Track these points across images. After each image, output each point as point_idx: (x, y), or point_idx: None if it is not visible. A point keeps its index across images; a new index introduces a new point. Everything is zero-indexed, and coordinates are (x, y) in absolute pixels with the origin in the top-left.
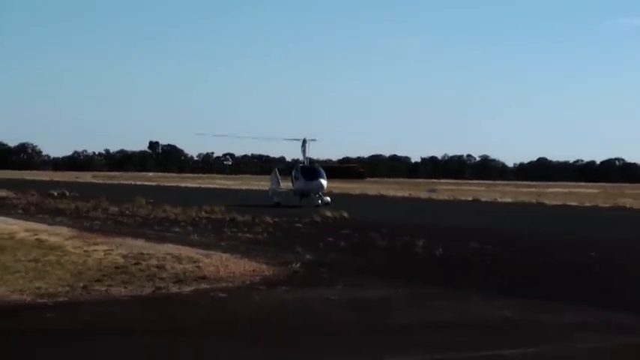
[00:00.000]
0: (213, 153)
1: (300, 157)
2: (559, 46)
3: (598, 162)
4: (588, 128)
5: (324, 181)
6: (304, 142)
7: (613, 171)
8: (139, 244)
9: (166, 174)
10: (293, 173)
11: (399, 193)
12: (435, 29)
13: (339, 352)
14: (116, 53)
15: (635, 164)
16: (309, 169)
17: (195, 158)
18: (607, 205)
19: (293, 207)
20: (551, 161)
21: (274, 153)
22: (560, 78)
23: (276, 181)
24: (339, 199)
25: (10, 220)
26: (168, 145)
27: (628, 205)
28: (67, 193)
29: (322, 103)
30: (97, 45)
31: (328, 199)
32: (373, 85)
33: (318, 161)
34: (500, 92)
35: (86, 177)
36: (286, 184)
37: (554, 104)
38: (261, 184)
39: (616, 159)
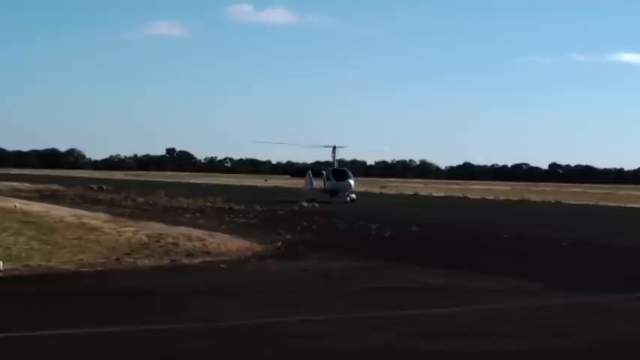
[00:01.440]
0: (216, 157)
1: (331, 160)
2: (476, 77)
3: (509, 165)
4: (502, 140)
5: (352, 181)
6: (334, 148)
7: (521, 173)
8: (158, 227)
9: (180, 173)
10: (324, 174)
11: (358, 189)
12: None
13: (312, 309)
14: (144, 77)
15: (538, 168)
16: (340, 171)
17: (203, 161)
18: (516, 199)
19: (324, 202)
20: (474, 165)
21: (266, 156)
22: (482, 102)
23: (310, 181)
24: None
25: (60, 208)
26: (182, 150)
27: (532, 199)
28: (104, 187)
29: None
30: (125, 71)
31: (354, 196)
32: (336, 97)
33: (296, 164)
34: (437, 110)
35: (119, 175)
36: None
37: (477, 122)
38: (253, 180)
39: (523, 164)
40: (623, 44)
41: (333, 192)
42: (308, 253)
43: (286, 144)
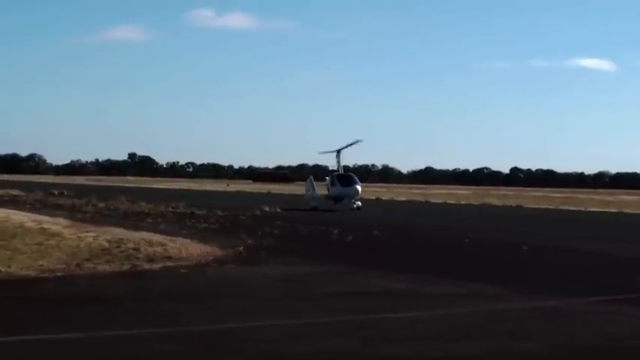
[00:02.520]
0: (178, 162)
1: (336, 166)
2: (438, 82)
3: (471, 170)
4: (463, 144)
5: (359, 187)
6: (338, 152)
7: (482, 177)
8: (119, 232)
9: (142, 178)
10: (328, 180)
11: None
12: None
13: (274, 313)
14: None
15: (499, 172)
16: (345, 177)
17: (165, 166)
18: (477, 203)
19: (329, 211)
20: (436, 169)
21: (228, 161)
22: (443, 107)
23: (312, 187)
24: (275, 199)
25: (20, 213)
26: (144, 155)
27: (493, 203)
28: (65, 193)
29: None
30: (88, 81)
31: (360, 203)
32: (302, 109)
33: (258, 168)
34: (399, 115)
35: (80, 180)
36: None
37: (439, 126)
38: (214, 185)
39: (484, 168)
40: (581, 49)
41: (338, 198)
42: (270, 258)
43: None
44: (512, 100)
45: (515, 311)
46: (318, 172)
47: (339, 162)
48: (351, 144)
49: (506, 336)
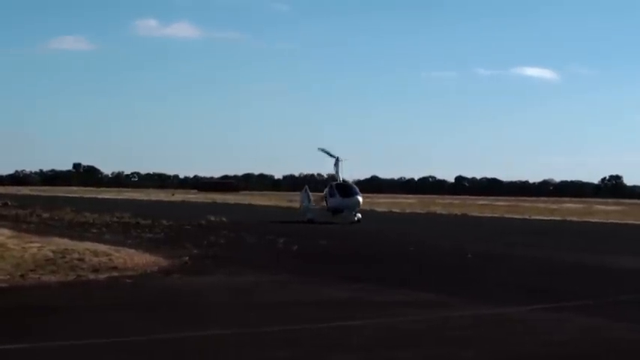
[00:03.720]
0: (123, 172)
1: (334, 174)
2: (384, 91)
3: (416, 179)
4: (409, 153)
5: (360, 198)
6: (337, 160)
7: (427, 186)
8: (64, 242)
9: (86, 188)
10: (326, 191)
11: (266, 203)
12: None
13: (219, 323)
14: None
15: (444, 181)
16: (345, 187)
17: (110, 176)
18: (423, 211)
19: (325, 224)
20: (381, 178)
21: (173, 171)
22: (387, 116)
23: (307, 197)
24: (220, 208)
25: None
26: (89, 165)
27: (438, 211)
28: (9, 203)
29: (201, 128)
30: (34, 85)
31: (360, 215)
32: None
33: (204, 178)
34: (345, 125)
35: (25, 190)
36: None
37: (384, 135)
38: (160, 195)
39: (429, 176)
40: (526, 59)
41: (337, 210)
42: (215, 268)
43: None
44: (458, 109)
45: (461, 319)
46: (265, 179)
47: (337, 171)
48: (330, 155)
49: (450, 344)
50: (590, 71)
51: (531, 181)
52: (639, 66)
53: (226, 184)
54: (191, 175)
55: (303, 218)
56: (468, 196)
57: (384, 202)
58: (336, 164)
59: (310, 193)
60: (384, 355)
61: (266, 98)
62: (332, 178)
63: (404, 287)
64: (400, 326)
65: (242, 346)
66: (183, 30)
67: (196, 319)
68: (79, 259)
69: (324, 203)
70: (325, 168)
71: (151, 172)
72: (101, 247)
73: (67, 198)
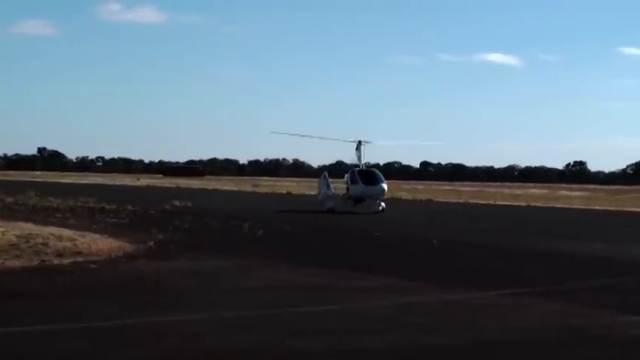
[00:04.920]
0: (88, 156)
1: (356, 161)
2: (348, 78)
3: (382, 164)
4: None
5: (385, 186)
6: (359, 144)
7: (392, 171)
8: (28, 227)
9: (51, 172)
10: (348, 177)
11: (231, 188)
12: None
13: (183, 308)
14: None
15: (409, 166)
16: (368, 173)
17: (74, 160)
18: (387, 197)
19: (346, 213)
20: (346, 163)
21: (138, 155)
22: (352, 102)
23: (327, 185)
24: (185, 193)
25: None
26: (53, 150)
27: (403, 197)
28: None
29: (154, 113)
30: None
31: (384, 204)
32: (201, 102)
33: (169, 163)
34: (308, 110)
35: None
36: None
37: (347, 121)
38: (125, 180)
39: (395, 162)
40: (488, 44)
41: (359, 199)
42: (180, 253)
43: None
44: (421, 95)
45: (426, 305)
46: (231, 164)
47: (359, 156)
48: (358, 147)
49: (417, 329)
50: (553, 57)
51: (496, 166)
52: (602, 51)
53: (191, 169)
54: (156, 160)
55: (322, 207)
56: (433, 182)
57: None
58: (358, 148)
59: (330, 180)
60: (350, 341)
61: (230, 82)
62: (297, 162)
63: (369, 273)
64: (366, 312)
65: (205, 332)
66: (147, 14)
67: (160, 305)
68: (43, 244)
69: (345, 191)
70: (289, 153)
71: (116, 157)
72: (66, 232)
73: (31, 182)
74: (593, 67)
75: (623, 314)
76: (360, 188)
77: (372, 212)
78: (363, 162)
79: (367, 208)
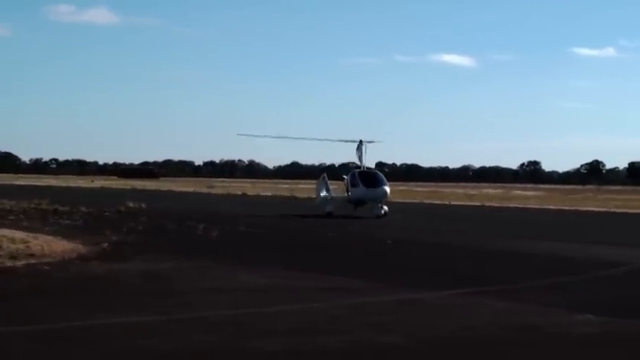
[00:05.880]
0: (42, 158)
1: (357, 161)
2: (302, 78)
3: (337, 164)
4: (326, 138)
5: (387, 188)
6: (360, 143)
7: (347, 171)
8: None
9: (3, 174)
10: (348, 179)
11: (186, 189)
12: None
13: (137, 310)
14: None
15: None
16: (370, 175)
17: (28, 162)
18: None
19: (346, 217)
20: (302, 164)
21: (93, 157)
22: (306, 102)
23: (325, 187)
24: (140, 194)
25: None
26: (5, 151)
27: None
28: None
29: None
30: None
31: (386, 208)
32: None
33: (124, 164)
34: (264, 111)
35: None
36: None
37: (304, 121)
38: (79, 182)
39: (349, 162)
40: (444, 45)
41: (360, 202)
42: (134, 254)
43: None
44: (377, 95)
45: (381, 304)
46: (186, 166)
47: (360, 156)
48: (359, 147)
49: (371, 329)
50: (507, 57)
51: (451, 166)
52: (556, 52)
53: (146, 170)
54: (110, 162)
55: (321, 211)
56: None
57: (304, 189)
58: (359, 148)
59: (329, 182)
60: (304, 341)
61: (186, 84)
62: (252, 163)
63: (324, 273)
64: (321, 312)
65: (160, 333)
66: (101, 15)
67: (114, 306)
68: None
69: (345, 194)
70: (246, 154)
71: (70, 159)
72: (19, 234)
73: None
74: (547, 67)
75: (575, 312)
76: (360, 191)
77: (374, 216)
78: (364, 163)
79: (369, 211)
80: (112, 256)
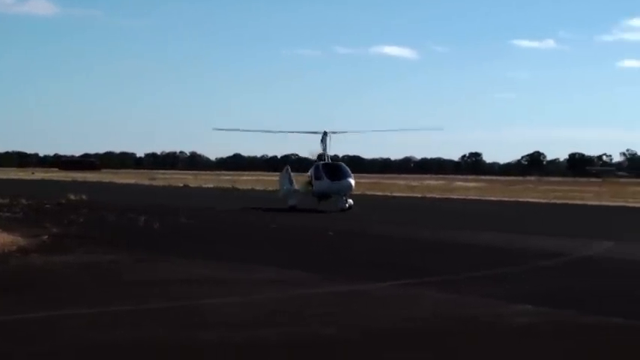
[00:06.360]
0: None
1: (308, 154)
2: (240, 69)
3: (279, 156)
4: (270, 128)
5: (352, 181)
6: (325, 135)
7: (289, 163)
8: None
9: None
10: (311, 172)
11: (127, 181)
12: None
13: (78, 302)
14: None
15: (306, 158)
16: (334, 167)
17: None
18: None
19: (310, 211)
20: (244, 156)
21: (33, 149)
22: (251, 95)
23: (289, 180)
24: (81, 186)
25: None
26: None
27: None
28: None
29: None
30: None
31: (351, 201)
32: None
33: (65, 156)
34: (203, 103)
35: None
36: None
37: (248, 113)
38: (19, 174)
39: (292, 154)
40: (384, 37)
41: (324, 195)
42: (75, 247)
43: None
44: (319, 87)
45: (321, 296)
46: (127, 157)
47: (324, 148)
48: (323, 138)
49: (313, 321)
50: (447, 49)
51: (393, 158)
52: (496, 43)
53: (87, 162)
54: (51, 154)
55: (284, 205)
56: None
57: (247, 180)
58: (323, 140)
59: (292, 175)
60: (245, 334)
61: (127, 75)
62: (194, 154)
63: (267, 264)
64: (261, 304)
65: (100, 326)
66: (40, 7)
67: (54, 299)
68: None
69: (309, 187)
70: (187, 146)
71: (10, 151)
72: None
73: None
74: (487, 59)
75: (514, 303)
76: (324, 184)
77: (339, 210)
78: (328, 154)
79: (333, 205)
80: (52, 248)
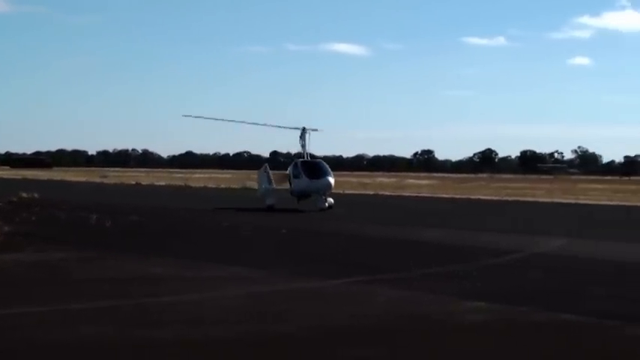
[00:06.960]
0: None
1: (298, 150)
2: (194, 67)
3: (231, 154)
4: (222, 128)
5: (331, 179)
6: (303, 131)
7: (243, 161)
8: None
9: None
10: (290, 170)
11: (79, 179)
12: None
13: (27, 300)
14: None
15: (259, 156)
16: (313, 165)
17: None
18: (238, 187)
19: (290, 211)
20: (196, 153)
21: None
22: (208, 92)
23: (267, 178)
24: (32, 184)
25: None
26: None
27: (254, 186)
28: None
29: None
30: None
31: (332, 200)
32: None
33: (16, 154)
34: (155, 100)
35: None
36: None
37: (199, 110)
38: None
39: (244, 152)
40: (335, 34)
41: (303, 194)
42: (26, 245)
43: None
44: (270, 84)
45: (275, 294)
46: (79, 156)
47: (304, 145)
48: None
49: (265, 319)
50: (398, 46)
51: (345, 155)
52: (446, 41)
53: (39, 160)
54: (2, 152)
55: (262, 204)
56: (282, 171)
57: (199, 178)
58: (302, 136)
59: (271, 173)
60: (197, 331)
61: (78, 72)
62: (146, 152)
63: (219, 262)
64: (214, 302)
65: (51, 324)
66: None
67: (4, 297)
68: None
69: (288, 185)
70: (139, 143)
71: None
72: None
73: None
74: (437, 56)
75: (465, 300)
76: (303, 182)
77: (318, 209)
78: (307, 152)
79: (312, 204)
80: (3, 246)
